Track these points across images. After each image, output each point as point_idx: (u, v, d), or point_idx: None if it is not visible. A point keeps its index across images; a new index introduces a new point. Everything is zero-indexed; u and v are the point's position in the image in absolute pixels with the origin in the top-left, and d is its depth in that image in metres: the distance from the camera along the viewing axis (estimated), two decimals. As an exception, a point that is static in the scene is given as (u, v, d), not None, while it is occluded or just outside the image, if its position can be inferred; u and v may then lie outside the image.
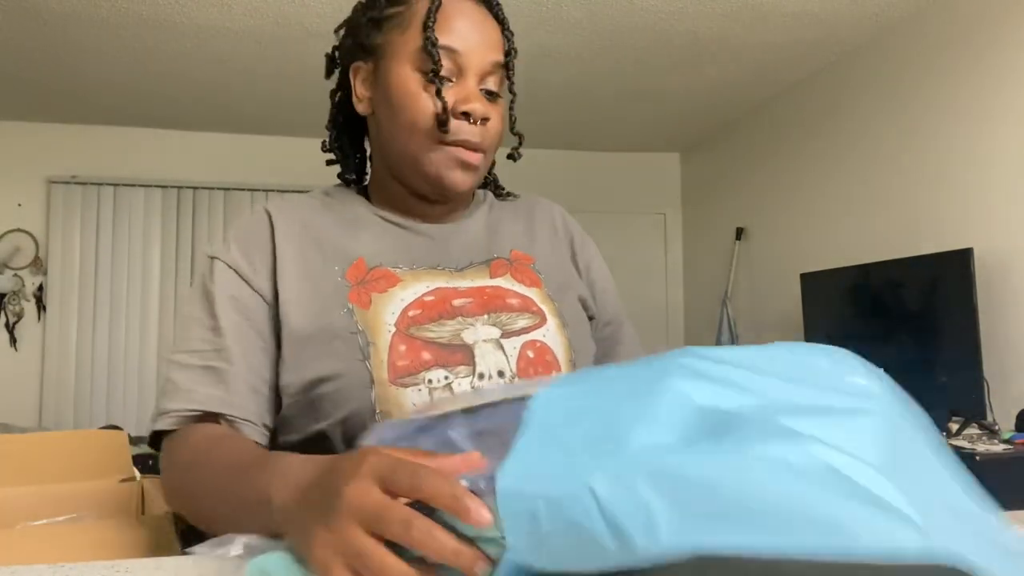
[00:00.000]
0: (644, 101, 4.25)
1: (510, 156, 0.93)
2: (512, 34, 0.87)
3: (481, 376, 0.78)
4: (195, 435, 0.75)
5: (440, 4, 0.81)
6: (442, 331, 0.80)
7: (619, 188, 5.25)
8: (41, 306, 4.41)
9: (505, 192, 1.01)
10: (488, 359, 0.79)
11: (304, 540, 0.48)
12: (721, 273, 4.67)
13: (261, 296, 0.82)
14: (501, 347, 0.80)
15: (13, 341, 4.37)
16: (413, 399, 0.76)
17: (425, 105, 0.81)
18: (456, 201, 0.91)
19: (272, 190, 4.70)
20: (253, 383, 0.79)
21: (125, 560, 0.57)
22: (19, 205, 4.44)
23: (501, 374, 0.79)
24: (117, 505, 1.30)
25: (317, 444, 0.78)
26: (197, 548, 0.56)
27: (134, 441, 2.24)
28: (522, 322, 0.83)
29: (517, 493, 0.41)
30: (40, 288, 4.42)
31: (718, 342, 4.42)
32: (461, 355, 0.79)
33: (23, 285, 4.40)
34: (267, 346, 0.81)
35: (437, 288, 0.83)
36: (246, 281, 0.82)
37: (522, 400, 0.48)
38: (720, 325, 4.46)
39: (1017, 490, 2.14)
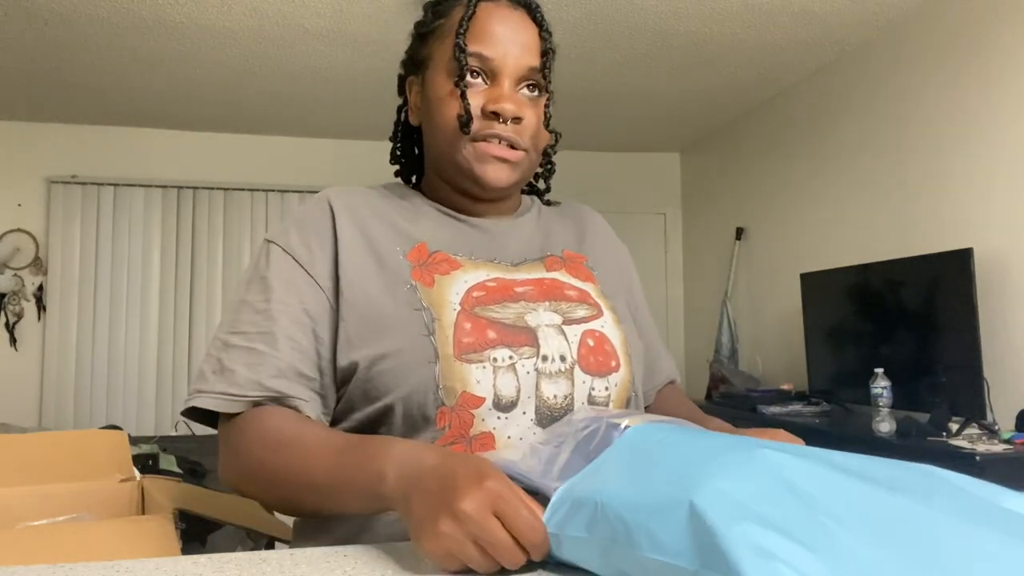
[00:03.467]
0: (644, 101, 4.25)
1: (545, 153, 0.96)
2: (550, 35, 0.88)
3: (545, 358, 0.80)
4: (270, 419, 0.76)
5: (473, 13, 0.85)
6: (506, 312, 0.82)
7: (619, 188, 5.25)
8: (41, 306, 4.41)
9: (546, 200, 1.04)
10: (551, 343, 0.81)
11: (421, 523, 0.57)
12: (721, 273, 4.67)
13: (317, 283, 0.83)
14: (563, 333, 0.82)
15: (13, 341, 4.36)
16: (477, 376, 0.77)
17: (454, 107, 0.85)
18: (501, 200, 0.93)
19: (272, 190, 4.71)
20: (300, 366, 0.80)
21: (125, 560, 0.57)
22: (19, 205, 4.44)
23: (563, 358, 0.81)
24: (117, 505, 1.30)
25: (377, 423, 0.79)
26: None
27: (134, 441, 2.24)
28: (581, 312, 0.86)
29: (564, 497, 0.56)
30: (40, 288, 4.41)
31: (718, 342, 4.42)
32: (525, 336, 0.80)
33: (23, 285, 4.40)
34: (319, 331, 0.82)
35: (497, 277, 0.86)
36: (302, 267, 0.83)
37: (617, 427, 0.62)
38: (720, 325, 4.45)
39: (1017, 490, 2.14)
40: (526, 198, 1.01)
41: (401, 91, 0.97)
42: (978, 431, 2.51)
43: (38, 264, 4.43)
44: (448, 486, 0.57)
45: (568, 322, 0.83)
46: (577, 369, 0.81)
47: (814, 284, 3.54)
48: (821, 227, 3.78)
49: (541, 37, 0.88)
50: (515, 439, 0.77)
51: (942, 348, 2.78)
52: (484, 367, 0.77)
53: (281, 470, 0.73)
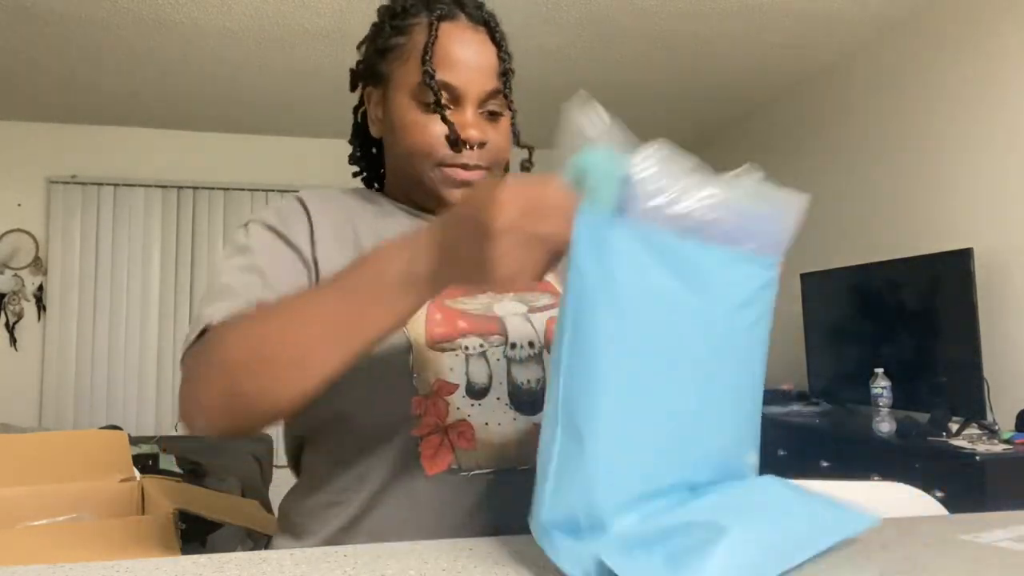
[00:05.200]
0: (644, 101, 4.25)
1: (524, 168, 0.98)
2: (508, 56, 0.89)
3: (513, 346, 0.83)
4: (239, 315, 0.70)
5: (436, 38, 0.84)
6: (475, 303, 0.85)
7: (619, 188, 5.25)
8: (41, 306, 4.41)
9: None
10: (518, 330, 0.84)
11: (479, 263, 0.55)
12: (721, 273, 4.67)
13: (298, 251, 0.82)
14: (529, 320, 0.86)
15: (13, 341, 4.36)
16: (450, 364, 0.79)
17: (425, 133, 0.85)
18: None
19: (272, 190, 4.70)
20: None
21: (125, 560, 0.57)
22: (19, 205, 4.44)
23: (531, 344, 0.84)
24: (117, 505, 1.30)
25: (349, 413, 0.79)
26: None
27: (134, 441, 2.24)
28: (544, 300, 0.89)
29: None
30: (40, 288, 4.41)
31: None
32: (494, 325, 0.84)
33: (23, 285, 4.40)
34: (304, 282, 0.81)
35: None
36: (283, 237, 0.83)
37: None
38: (720, 325, 4.45)
39: (1017, 490, 2.14)
40: None
41: (354, 88, 0.97)
42: (978, 431, 2.51)
43: (38, 264, 4.43)
44: (474, 219, 0.56)
45: (532, 310, 0.87)
46: (545, 353, 0.84)
47: (814, 284, 3.54)
48: (821, 227, 3.78)
49: (500, 58, 0.88)
50: (492, 425, 0.79)
51: (942, 348, 2.78)
52: (456, 355, 0.80)
53: (272, 333, 0.65)
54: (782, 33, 3.35)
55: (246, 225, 0.87)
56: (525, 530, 0.78)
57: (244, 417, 0.66)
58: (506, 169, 0.97)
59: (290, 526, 0.84)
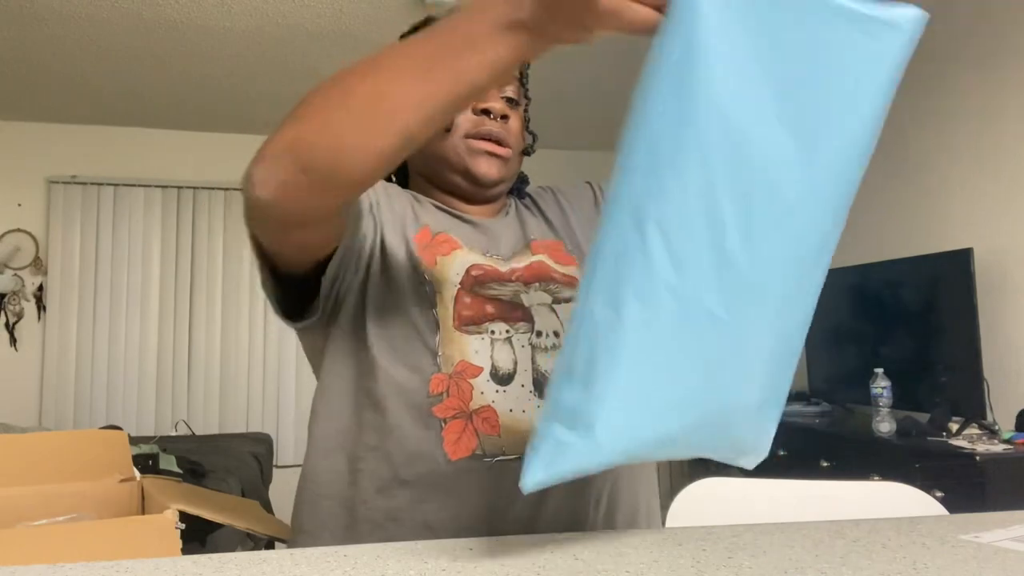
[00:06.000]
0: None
1: (524, 152, 1.01)
2: None
3: (539, 334, 0.85)
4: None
5: None
6: (503, 290, 0.87)
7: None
8: (41, 306, 4.41)
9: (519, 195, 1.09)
10: (544, 319, 0.86)
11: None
12: (721, 273, 4.67)
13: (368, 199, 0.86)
14: (554, 311, 0.88)
15: (13, 341, 4.36)
16: (476, 347, 0.81)
17: None
18: (489, 202, 0.97)
19: (272, 190, 4.70)
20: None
21: (125, 560, 0.57)
22: (19, 205, 4.44)
23: (556, 334, 0.86)
24: (117, 505, 1.30)
25: (373, 382, 0.81)
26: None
27: (134, 441, 2.24)
28: (568, 292, 0.91)
29: None
30: (40, 288, 4.41)
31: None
32: (521, 313, 0.86)
33: (23, 285, 4.40)
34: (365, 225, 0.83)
35: (492, 266, 0.90)
36: None
37: None
38: (720, 325, 4.45)
39: (1017, 490, 2.14)
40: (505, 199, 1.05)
41: None
42: (978, 431, 2.51)
43: (38, 264, 4.43)
44: None
45: (557, 301, 0.89)
46: None
47: (814, 284, 3.54)
48: (821, 227, 3.78)
49: None
50: (517, 412, 0.80)
51: (942, 348, 2.78)
52: (483, 338, 0.82)
53: (355, 70, 0.64)
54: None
55: None
56: (549, 515, 0.79)
57: (304, 168, 0.62)
58: (525, 152, 1.01)
59: (304, 523, 0.85)
